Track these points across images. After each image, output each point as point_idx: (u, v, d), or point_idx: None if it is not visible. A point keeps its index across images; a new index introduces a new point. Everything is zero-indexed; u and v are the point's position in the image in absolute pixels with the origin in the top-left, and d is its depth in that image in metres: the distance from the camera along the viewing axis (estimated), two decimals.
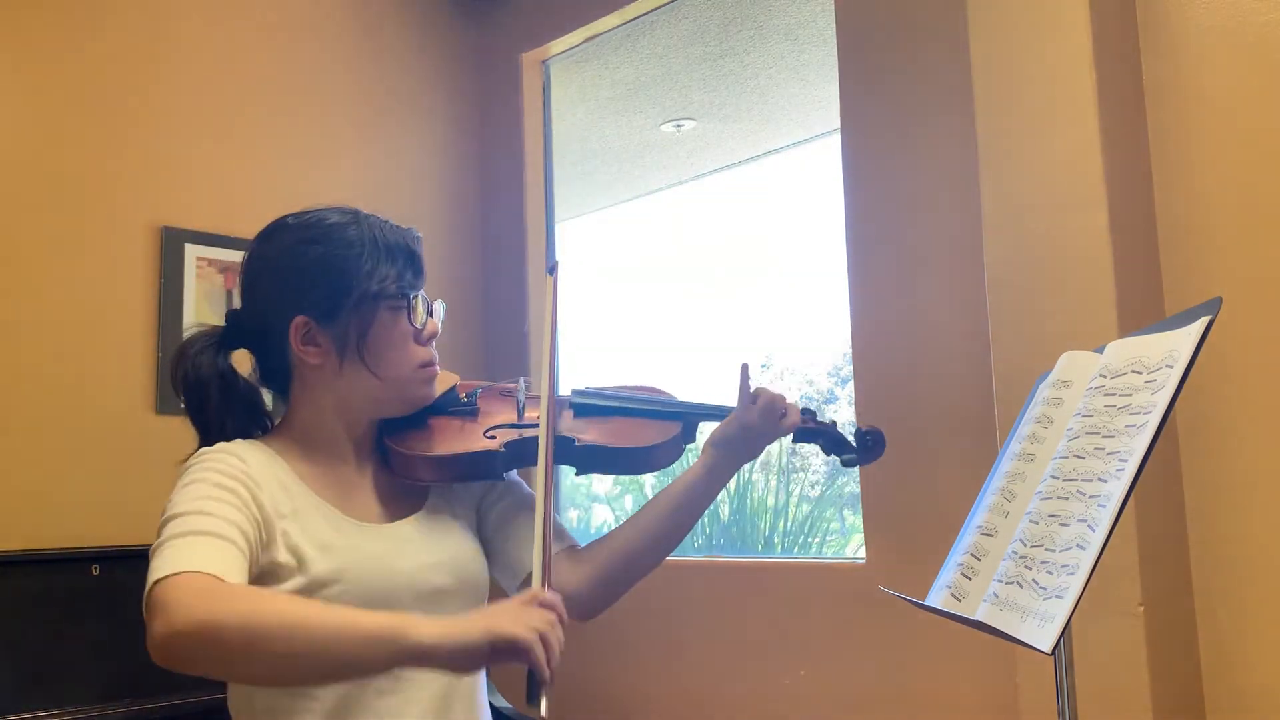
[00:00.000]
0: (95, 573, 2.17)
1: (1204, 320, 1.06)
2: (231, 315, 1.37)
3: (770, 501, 3.29)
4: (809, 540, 3.18)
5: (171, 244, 2.52)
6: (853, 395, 2.27)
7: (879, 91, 2.23)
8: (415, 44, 3.10)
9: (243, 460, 1.22)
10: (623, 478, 3.59)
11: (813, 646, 2.23)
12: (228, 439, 1.29)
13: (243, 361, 1.37)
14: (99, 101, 2.46)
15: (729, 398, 1.47)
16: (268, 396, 1.41)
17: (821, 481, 3.39)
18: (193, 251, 2.55)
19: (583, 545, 1.44)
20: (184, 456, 1.26)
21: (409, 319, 1.31)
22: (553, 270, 1.38)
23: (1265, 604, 1.68)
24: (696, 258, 3.76)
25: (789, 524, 3.23)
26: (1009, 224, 1.87)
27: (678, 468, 1.56)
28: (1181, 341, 1.08)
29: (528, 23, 3.10)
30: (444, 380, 1.42)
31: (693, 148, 3.64)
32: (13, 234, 2.32)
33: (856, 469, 1.56)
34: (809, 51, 2.93)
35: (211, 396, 1.30)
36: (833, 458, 1.56)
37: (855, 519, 2.78)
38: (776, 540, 3.14)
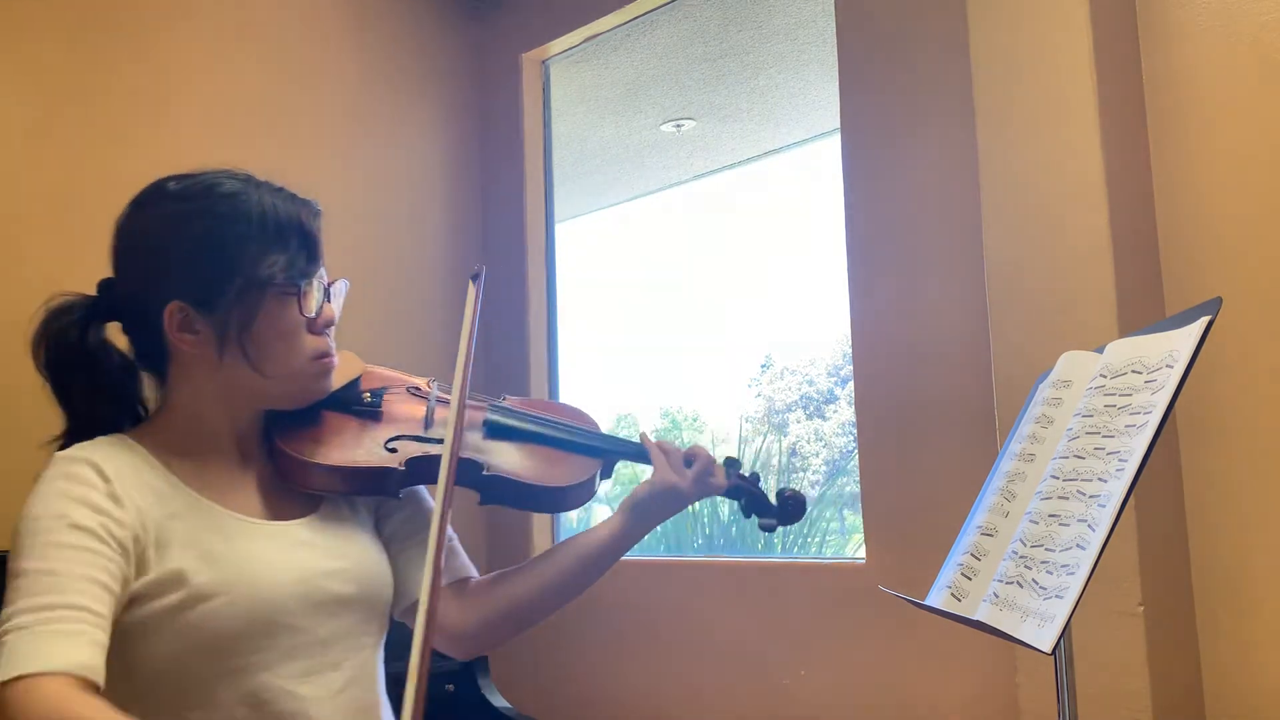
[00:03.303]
0: None
1: (1204, 320, 1.06)
2: (103, 285, 1.22)
3: None
4: (809, 540, 3.17)
5: None
6: (852, 395, 2.27)
7: (879, 91, 2.23)
8: (415, 44, 3.10)
9: (103, 475, 1.08)
10: (622, 475, 3.58)
11: (813, 646, 2.23)
12: (97, 428, 1.16)
13: (118, 333, 1.22)
14: (97, 101, 2.46)
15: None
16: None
17: (821, 481, 3.39)
18: None
19: (475, 580, 1.31)
20: (52, 439, 1.16)
21: (300, 308, 1.16)
22: (476, 277, 1.23)
23: (1265, 604, 1.68)
24: (696, 257, 3.76)
25: None
26: (1009, 224, 1.87)
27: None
28: (1181, 341, 1.08)
29: (528, 23, 3.09)
30: (349, 365, 1.26)
31: (693, 148, 3.64)
32: (12, 234, 2.31)
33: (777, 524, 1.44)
34: (809, 51, 2.93)
35: (78, 379, 1.17)
36: (754, 516, 1.44)
37: (855, 519, 2.77)
38: (776, 540, 3.13)
